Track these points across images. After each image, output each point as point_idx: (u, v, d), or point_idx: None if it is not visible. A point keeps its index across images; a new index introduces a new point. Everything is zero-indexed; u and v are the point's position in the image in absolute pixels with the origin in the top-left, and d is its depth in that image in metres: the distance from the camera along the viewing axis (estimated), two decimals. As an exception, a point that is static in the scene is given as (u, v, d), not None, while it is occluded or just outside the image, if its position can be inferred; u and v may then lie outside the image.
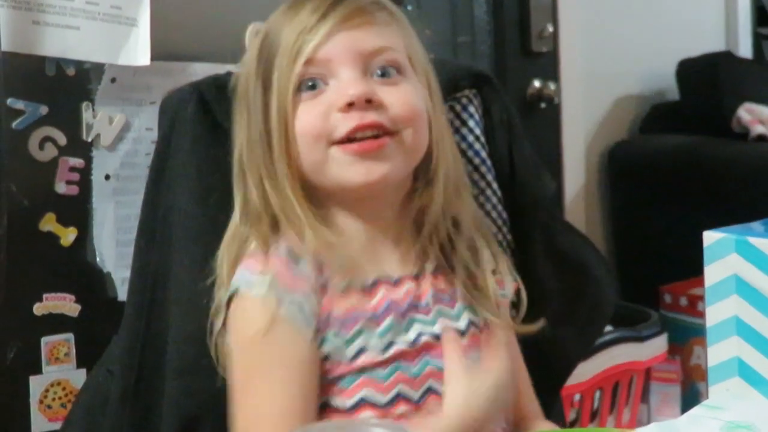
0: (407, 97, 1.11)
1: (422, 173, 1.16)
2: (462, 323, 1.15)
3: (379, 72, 1.10)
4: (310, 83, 1.09)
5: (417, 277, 1.15)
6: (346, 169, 1.08)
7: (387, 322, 1.10)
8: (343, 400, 1.08)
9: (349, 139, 1.08)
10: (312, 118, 1.08)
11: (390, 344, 1.09)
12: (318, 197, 1.13)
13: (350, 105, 1.07)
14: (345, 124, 1.07)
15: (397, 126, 1.09)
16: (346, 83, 1.08)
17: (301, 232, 1.09)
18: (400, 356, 1.10)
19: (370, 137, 1.07)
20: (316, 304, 1.07)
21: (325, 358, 1.08)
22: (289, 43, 1.09)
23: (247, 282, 1.08)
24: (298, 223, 1.09)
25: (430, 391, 1.11)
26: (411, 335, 1.11)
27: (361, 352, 1.08)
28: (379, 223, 1.15)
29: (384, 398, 1.08)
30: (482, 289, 1.17)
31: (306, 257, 1.09)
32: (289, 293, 1.06)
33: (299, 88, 1.09)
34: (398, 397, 1.09)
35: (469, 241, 1.19)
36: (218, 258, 1.13)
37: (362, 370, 1.08)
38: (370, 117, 1.07)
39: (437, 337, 1.12)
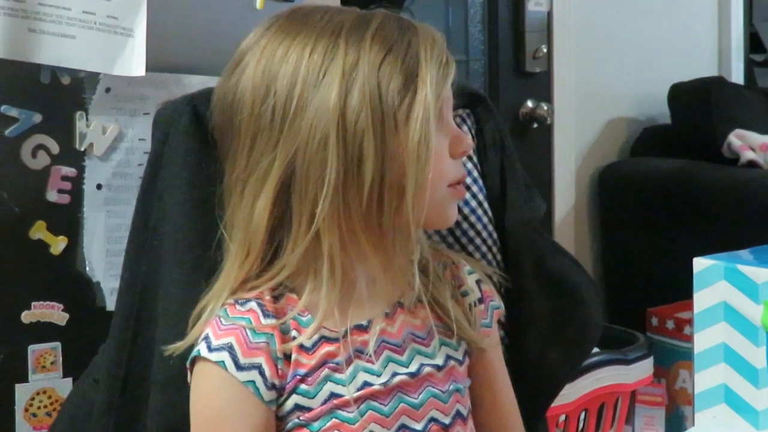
0: None
1: None
2: (439, 359, 1.15)
3: None
4: None
5: (390, 315, 1.14)
6: (448, 208, 1.16)
7: (353, 367, 1.10)
8: None
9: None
10: (442, 159, 1.12)
11: (362, 386, 1.09)
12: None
13: (463, 153, 1.15)
14: (458, 170, 1.16)
15: None
16: (460, 132, 1.16)
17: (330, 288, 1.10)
18: (372, 396, 1.10)
19: None
20: (281, 363, 1.08)
21: (295, 408, 1.08)
22: (436, 75, 1.10)
23: (209, 347, 1.08)
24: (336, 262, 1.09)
25: (402, 428, 1.11)
26: (385, 377, 1.11)
27: (330, 397, 1.09)
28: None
29: None
30: (458, 321, 1.17)
31: (274, 314, 1.09)
32: (250, 359, 1.07)
33: None
34: None
35: (452, 274, 1.21)
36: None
37: (332, 412, 1.09)
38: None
39: (413, 375, 1.12)
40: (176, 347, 1.12)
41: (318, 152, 1.06)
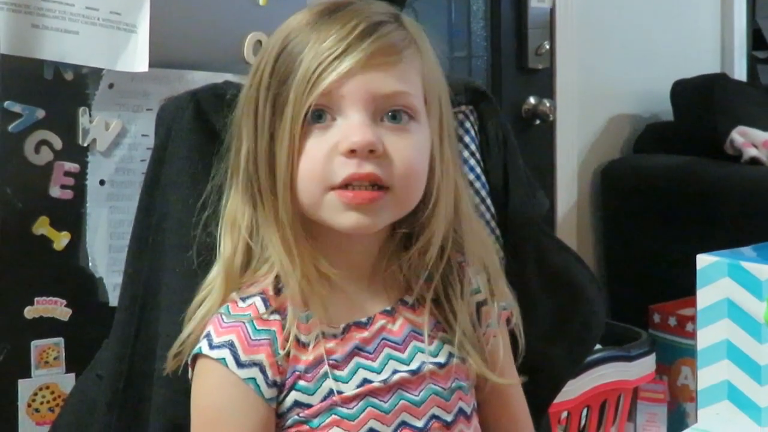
0: (410, 152, 1.07)
1: (420, 210, 1.13)
2: (441, 357, 1.14)
3: (390, 114, 1.07)
4: (317, 113, 1.06)
5: (392, 313, 1.14)
6: (338, 215, 1.06)
7: (353, 364, 1.10)
8: None
9: (344, 185, 1.05)
10: (315, 161, 1.05)
11: (361, 383, 1.09)
12: (307, 228, 1.11)
13: (353, 151, 1.04)
14: (343, 170, 1.05)
15: (392, 182, 1.06)
16: (353, 127, 1.05)
17: (288, 266, 1.08)
18: (372, 393, 1.09)
19: (366, 187, 1.05)
20: (281, 360, 1.07)
21: (294, 404, 1.08)
22: (309, 71, 1.04)
23: (210, 344, 1.08)
24: (288, 256, 1.09)
25: (403, 425, 1.10)
26: (385, 374, 1.10)
27: (330, 393, 1.08)
28: (360, 257, 1.14)
29: None
30: (463, 324, 1.16)
31: (277, 309, 1.09)
32: (251, 356, 1.06)
33: (306, 117, 1.06)
34: None
35: (459, 273, 1.18)
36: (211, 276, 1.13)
37: (331, 408, 1.08)
38: (368, 168, 1.04)
39: (414, 373, 1.12)
40: (171, 366, 1.12)
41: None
